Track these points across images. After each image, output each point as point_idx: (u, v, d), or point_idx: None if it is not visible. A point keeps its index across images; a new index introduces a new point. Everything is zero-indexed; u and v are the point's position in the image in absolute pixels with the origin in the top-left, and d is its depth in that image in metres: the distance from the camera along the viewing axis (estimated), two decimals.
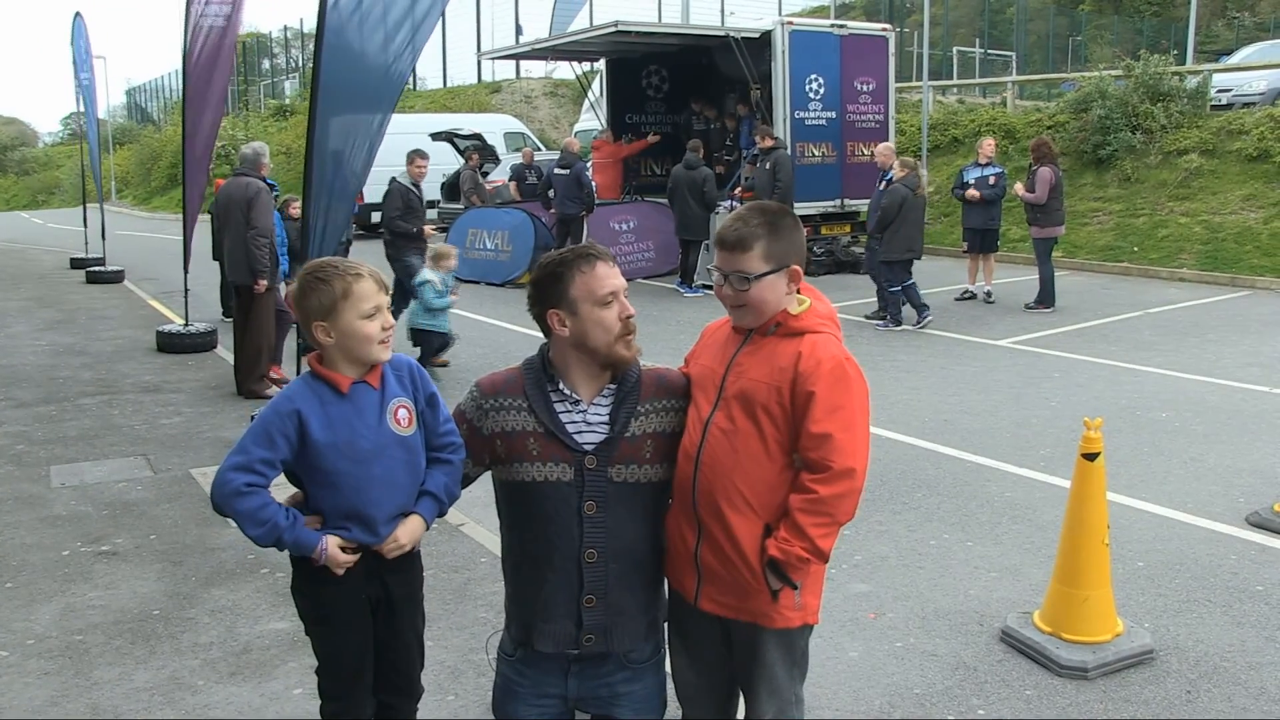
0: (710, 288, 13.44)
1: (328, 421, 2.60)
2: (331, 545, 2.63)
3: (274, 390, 8.51)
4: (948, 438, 7.24)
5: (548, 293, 2.52)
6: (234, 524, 2.58)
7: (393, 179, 10.54)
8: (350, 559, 2.66)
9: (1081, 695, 3.93)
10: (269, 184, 8.72)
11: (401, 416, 2.67)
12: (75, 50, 16.67)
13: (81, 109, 18.55)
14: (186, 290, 10.94)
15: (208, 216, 11.72)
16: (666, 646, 2.76)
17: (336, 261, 2.66)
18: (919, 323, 11.26)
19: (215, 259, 10.59)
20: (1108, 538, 4.21)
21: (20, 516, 5.90)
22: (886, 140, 15.98)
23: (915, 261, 11.38)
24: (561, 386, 2.55)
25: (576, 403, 2.54)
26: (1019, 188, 12.33)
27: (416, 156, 10.75)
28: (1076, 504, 4.20)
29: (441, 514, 2.79)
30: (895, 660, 4.21)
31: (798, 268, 2.60)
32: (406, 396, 2.70)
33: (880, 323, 11.34)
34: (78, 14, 16.25)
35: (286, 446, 2.58)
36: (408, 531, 2.72)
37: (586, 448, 2.51)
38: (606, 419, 2.54)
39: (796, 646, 2.70)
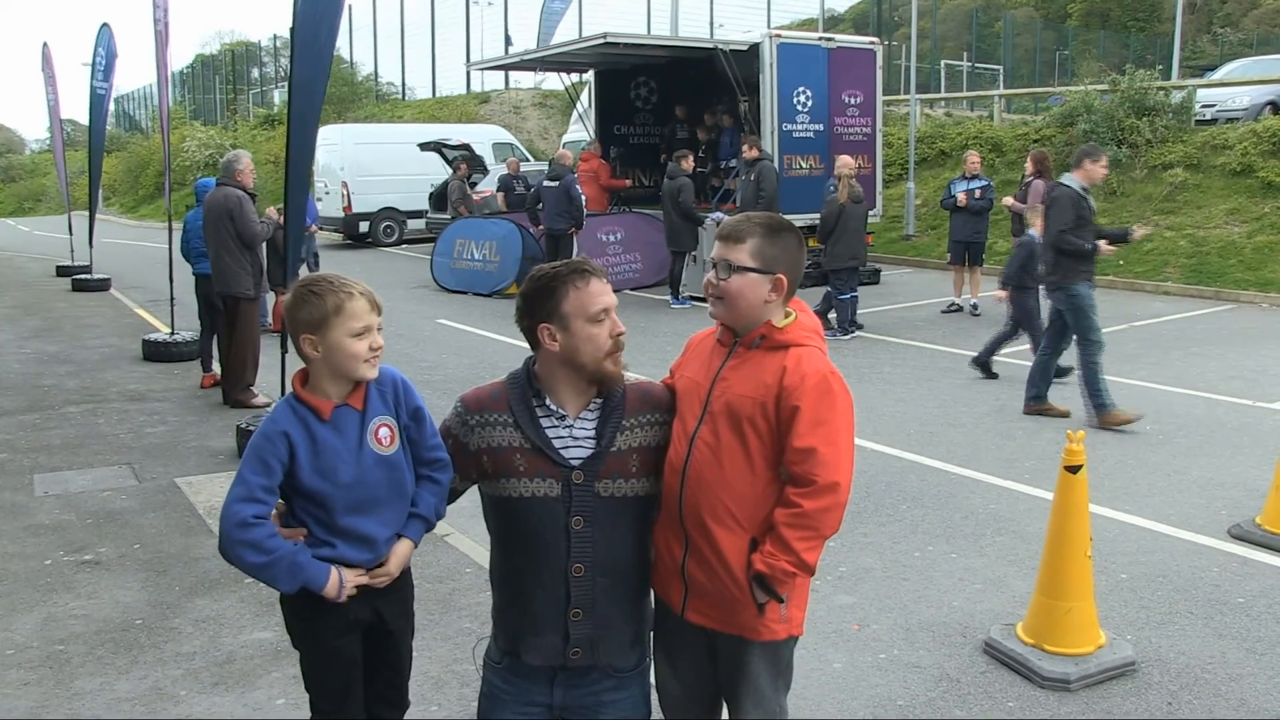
0: (697, 299, 13.51)
1: (311, 447, 2.60)
2: (348, 574, 2.63)
3: (260, 399, 8.51)
4: (933, 450, 7.26)
5: (539, 306, 2.50)
6: (238, 563, 2.54)
7: (1057, 184, 8.13)
8: (362, 580, 2.66)
9: (1064, 707, 3.94)
10: (249, 193, 8.67)
11: (383, 435, 2.66)
12: (95, 58, 16.64)
13: (67, 115, 18.45)
14: (173, 299, 10.92)
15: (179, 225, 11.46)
16: (651, 656, 2.76)
17: (332, 277, 2.66)
18: (844, 334, 11.37)
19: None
20: (1090, 550, 4.23)
21: (2, 525, 5.87)
22: (874, 153, 16.12)
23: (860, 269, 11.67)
24: (548, 401, 2.55)
25: (563, 418, 2.53)
26: (1009, 200, 12.37)
27: (1102, 155, 8.08)
28: (1059, 516, 4.22)
29: (429, 530, 2.79)
30: (879, 672, 4.22)
31: (783, 278, 2.60)
32: (389, 414, 2.69)
33: (829, 331, 11.36)
34: (104, 24, 16.22)
35: (280, 469, 2.58)
36: (397, 560, 2.72)
37: (573, 463, 2.50)
38: (593, 434, 2.54)
39: (781, 658, 2.71)
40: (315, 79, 6.41)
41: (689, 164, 14.21)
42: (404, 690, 2.94)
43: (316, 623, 2.71)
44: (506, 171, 19.38)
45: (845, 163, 12.03)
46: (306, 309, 2.59)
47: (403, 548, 2.73)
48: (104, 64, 16.06)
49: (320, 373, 2.64)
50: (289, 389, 2.72)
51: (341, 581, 2.61)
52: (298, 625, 2.77)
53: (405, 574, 2.83)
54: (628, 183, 17.43)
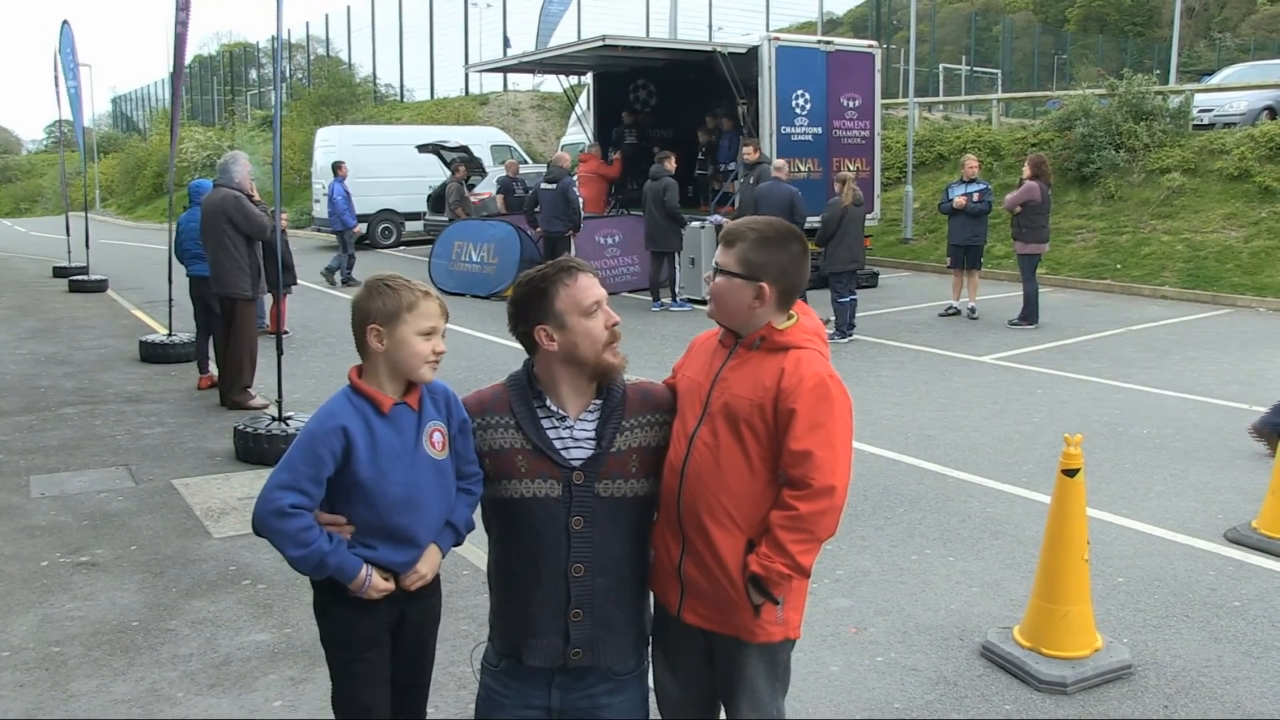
0: (695, 301, 13.50)
1: (370, 441, 2.59)
2: (375, 575, 2.62)
3: (258, 400, 8.49)
4: (930, 453, 7.26)
5: (533, 308, 2.52)
6: (272, 544, 2.54)
7: None
8: (389, 587, 2.65)
9: (1060, 710, 3.94)
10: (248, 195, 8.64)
11: (436, 440, 2.66)
12: (63, 58, 16.63)
13: (68, 116, 18.50)
14: (170, 300, 10.91)
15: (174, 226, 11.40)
16: (649, 658, 2.76)
17: (406, 278, 2.68)
18: (843, 337, 11.37)
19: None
20: (1088, 554, 4.24)
21: None
22: (873, 156, 16.14)
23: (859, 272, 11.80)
24: (548, 403, 2.56)
25: (563, 418, 2.55)
26: (1011, 196, 12.38)
27: None
28: (1057, 520, 4.23)
29: (458, 544, 2.79)
30: (876, 675, 4.22)
31: (766, 286, 2.58)
32: (441, 420, 2.69)
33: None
34: (65, 22, 16.23)
35: (333, 463, 2.56)
36: (429, 564, 2.72)
37: (574, 463, 2.51)
38: (593, 434, 2.55)
39: (778, 660, 2.71)
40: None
41: (672, 164, 14.04)
42: (423, 702, 2.91)
43: (353, 633, 2.70)
44: (506, 174, 19.38)
45: (780, 166, 12.48)
46: (381, 300, 2.60)
47: (434, 553, 2.72)
48: (73, 63, 16.10)
49: (379, 368, 2.64)
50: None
51: (368, 578, 2.61)
52: (333, 630, 2.75)
53: (434, 580, 2.81)
54: (617, 157, 17.42)
